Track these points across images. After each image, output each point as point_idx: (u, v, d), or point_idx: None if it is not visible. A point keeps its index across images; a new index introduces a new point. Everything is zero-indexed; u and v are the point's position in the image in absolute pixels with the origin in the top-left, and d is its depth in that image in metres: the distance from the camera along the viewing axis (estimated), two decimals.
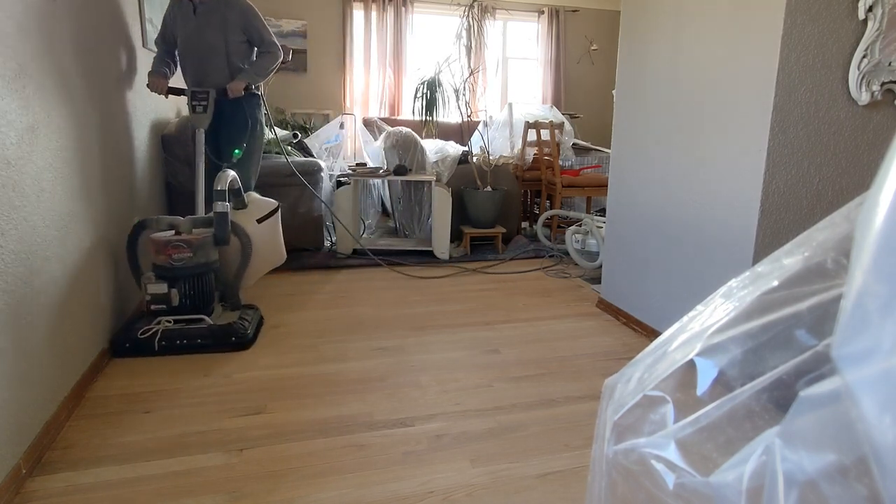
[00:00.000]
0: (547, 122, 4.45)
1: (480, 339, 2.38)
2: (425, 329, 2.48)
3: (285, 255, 2.66)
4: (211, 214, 2.30)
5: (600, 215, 4.12)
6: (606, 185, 2.80)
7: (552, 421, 1.74)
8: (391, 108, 6.02)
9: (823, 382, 0.40)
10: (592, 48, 6.58)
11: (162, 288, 2.16)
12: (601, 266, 2.92)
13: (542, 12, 6.35)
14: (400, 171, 3.70)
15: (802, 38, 1.75)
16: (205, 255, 2.23)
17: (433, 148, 4.06)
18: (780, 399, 0.52)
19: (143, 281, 2.17)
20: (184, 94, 2.72)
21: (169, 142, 3.15)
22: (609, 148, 2.95)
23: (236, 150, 2.83)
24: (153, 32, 2.99)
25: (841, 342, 0.36)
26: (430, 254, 3.71)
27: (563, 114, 5.55)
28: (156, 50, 2.87)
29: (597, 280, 3.13)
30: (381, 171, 3.77)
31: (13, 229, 1.44)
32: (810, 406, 0.42)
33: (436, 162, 3.94)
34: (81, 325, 1.86)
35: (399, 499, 1.37)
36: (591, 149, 5.38)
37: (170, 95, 2.78)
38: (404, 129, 3.96)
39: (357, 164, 3.92)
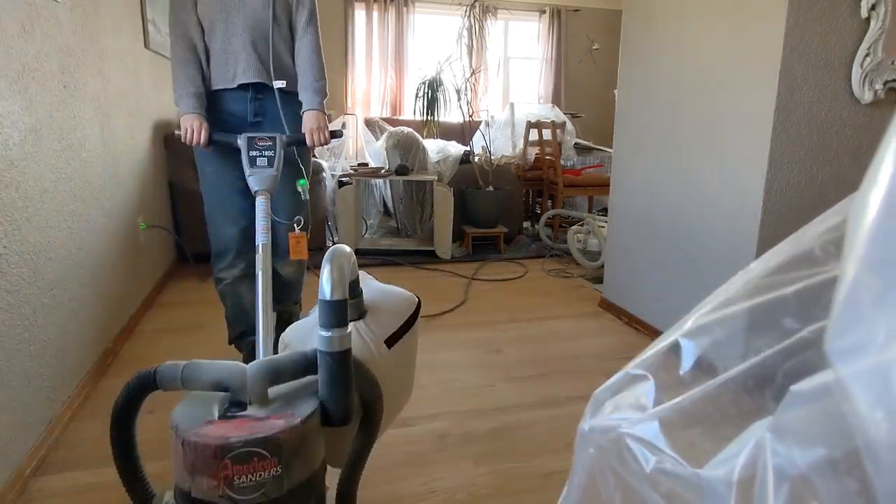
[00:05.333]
0: (548, 121, 4.45)
1: (482, 338, 2.38)
2: (427, 329, 2.48)
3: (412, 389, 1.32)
4: (298, 351, 0.93)
5: (602, 215, 4.12)
6: (608, 185, 2.80)
7: (555, 420, 1.74)
8: (393, 107, 6.02)
9: (814, 377, 0.40)
10: (594, 48, 6.57)
11: None
12: (603, 266, 2.92)
13: (544, 12, 6.35)
14: (401, 170, 3.70)
15: (805, 37, 1.75)
16: (306, 463, 0.87)
17: (435, 148, 4.06)
18: (765, 383, 0.52)
19: None
20: (232, 145, 1.68)
21: (171, 141, 3.16)
22: (611, 147, 2.95)
23: (302, 181, 1.78)
24: (155, 33, 2.99)
25: (834, 336, 0.36)
26: (432, 253, 3.71)
27: (564, 113, 5.55)
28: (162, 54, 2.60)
29: (598, 280, 3.13)
30: (382, 170, 3.78)
31: (16, 230, 1.44)
32: (801, 400, 0.42)
33: (437, 162, 3.94)
34: (84, 326, 1.87)
35: (402, 498, 1.37)
36: (593, 148, 5.38)
37: (211, 146, 1.72)
38: (406, 129, 3.96)
39: (359, 164, 3.93)
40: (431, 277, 3.30)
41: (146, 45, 2.85)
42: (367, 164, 3.96)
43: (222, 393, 0.91)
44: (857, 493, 0.38)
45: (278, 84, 1.76)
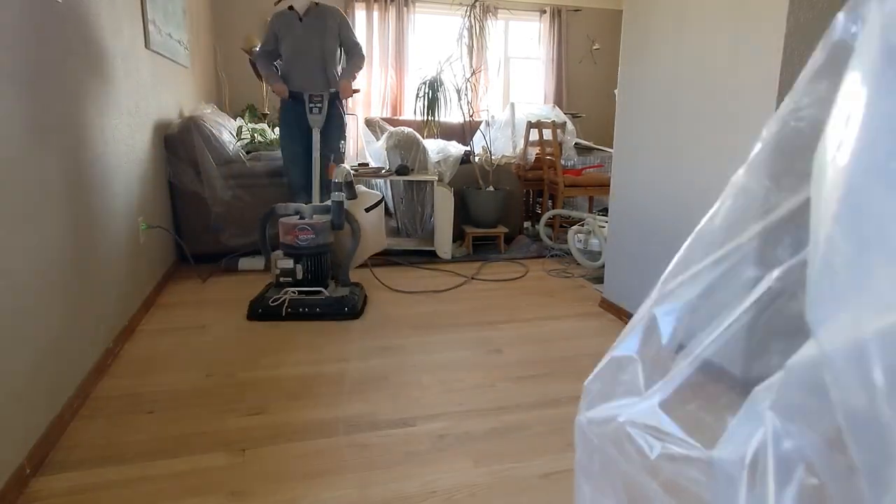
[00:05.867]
0: (549, 121, 4.45)
1: (483, 338, 2.38)
2: (427, 329, 2.48)
3: (386, 242, 3.11)
4: (327, 202, 2.63)
5: (602, 215, 4.12)
6: (609, 185, 2.80)
7: (555, 421, 1.74)
8: (393, 108, 6.02)
9: (805, 349, 0.40)
10: (594, 48, 6.57)
11: (289, 264, 2.53)
12: (603, 266, 2.92)
13: (544, 12, 6.34)
14: (402, 171, 3.70)
15: (806, 37, 1.74)
16: (324, 237, 2.57)
17: (435, 148, 4.06)
18: (747, 340, 0.50)
19: (272, 257, 2.57)
20: (300, 98, 3.06)
21: (172, 141, 3.16)
22: (611, 147, 2.94)
23: (342, 141, 3.33)
24: (155, 33, 3.00)
25: (812, 305, 0.36)
26: (433, 253, 3.71)
27: (565, 113, 5.54)
28: (161, 52, 2.88)
29: (599, 280, 3.13)
30: (383, 171, 3.77)
31: (17, 230, 1.44)
32: (798, 375, 0.41)
33: (438, 162, 3.94)
34: (85, 326, 1.87)
35: (402, 499, 1.37)
36: (594, 148, 5.37)
37: (290, 99, 3.16)
38: (406, 129, 3.96)
39: (359, 164, 3.92)
40: (432, 277, 3.30)
41: (147, 45, 2.85)
42: (367, 164, 3.96)
43: (297, 214, 2.62)
44: (854, 469, 0.38)
45: (331, 90, 3.18)
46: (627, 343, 0.61)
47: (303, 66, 3.18)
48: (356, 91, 3.25)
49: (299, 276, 2.53)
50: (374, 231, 2.85)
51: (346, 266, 2.71)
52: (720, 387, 0.54)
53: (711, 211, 0.56)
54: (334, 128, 3.25)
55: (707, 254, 0.55)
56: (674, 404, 0.55)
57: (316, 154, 2.94)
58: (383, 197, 2.97)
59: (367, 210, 2.80)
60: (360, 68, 3.26)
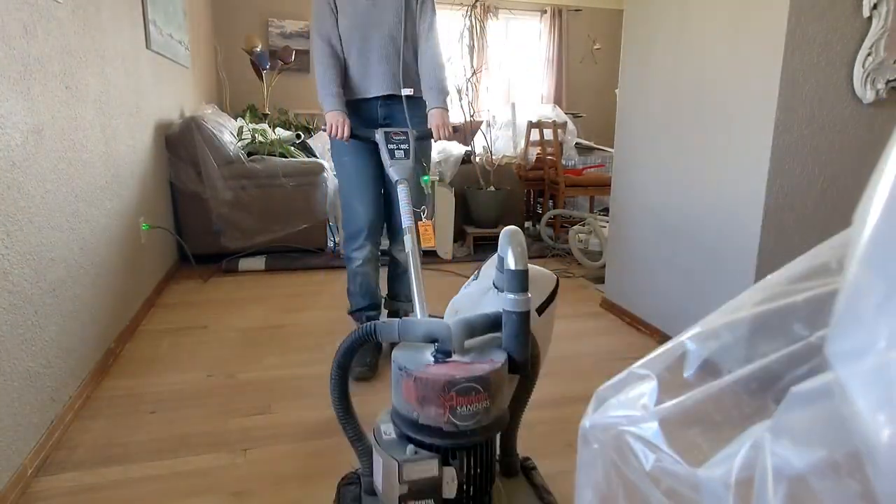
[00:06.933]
0: (550, 121, 4.45)
1: None
2: None
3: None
4: (463, 315, 1.13)
5: (603, 214, 4.12)
6: (609, 185, 2.80)
7: (556, 421, 1.73)
8: None
9: (815, 379, 0.40)
10: (595, 47, 6.57)
11: (430, 468, 1.05)
12: (604, 266, 2.92)
13: (545, 12, 6.34)
14: None
15: (806, 36, 1.74)
16: (503, 399, 1.09)
17: (436, 148, 4.06)
18: (769, 386, 0.51)
19: (386, 456, 1.05)
20: (371, 139, 1.88)
21: (173, 142, 3.16)
22: (612, 147, 2.94)
23: (426, 177, 2.04)
24: (156, 34, 3.00)
25: (835, 338, 0.36)
26: (434, 254, 3.71)
27: (566, 113, 5.54)
28: (164, 54, 2.77)
29: (600, 280, 3.13)
30: None
31: (18, 231, 1.45)
32: (801, 402, 0.41)
33: (439, 162, 3.94)
34: (86, 326, 1.87)
35: None
36: (595, 148, 5.37)
37: (351, 140, 1.94)
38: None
39: None
40: (432, 278, 3.30)
41: (147, 45, 2.86)
42: None
43: (430, 343, 1.08)
44: (859, 495, 0.38)
45: (406, 92, 1.97)
46: (651, 363, 0.62)
47: (369, 56, 1.98)
48: (457, 130, 1.79)
49: (450, 492, 1.07)
50: (545, 343, 1.37)
51: (513, 435, 1.32)
52: (728, 420, 0.54)
53: (784, 268, 0.57)
54: (420, 155, 2.01)
55: (760, 304, 0.56)
56: (676, 426, 0.55)
57: (409, 222, 1.61)
58: (558, 279, 1.44)
59: (541, 311, 1.33)
60: (446, 75, 2.08)
